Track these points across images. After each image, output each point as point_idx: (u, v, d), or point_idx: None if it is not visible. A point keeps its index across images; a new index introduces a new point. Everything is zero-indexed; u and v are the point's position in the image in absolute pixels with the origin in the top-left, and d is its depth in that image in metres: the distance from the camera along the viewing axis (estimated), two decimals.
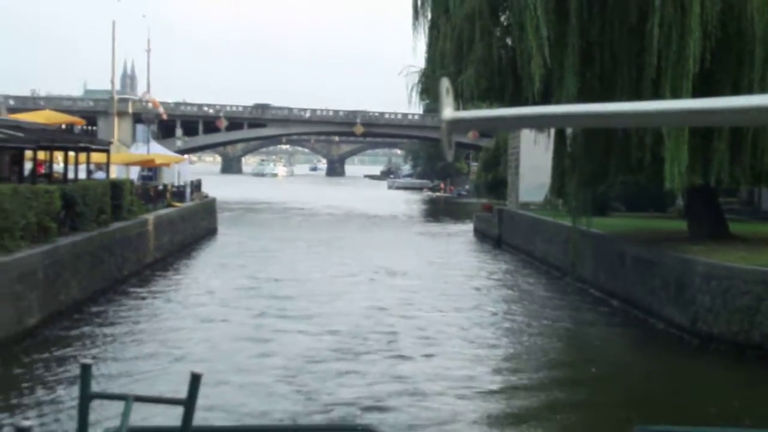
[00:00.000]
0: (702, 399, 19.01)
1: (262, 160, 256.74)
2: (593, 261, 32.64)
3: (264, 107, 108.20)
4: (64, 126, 43.86)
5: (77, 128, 50.10)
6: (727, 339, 22.49)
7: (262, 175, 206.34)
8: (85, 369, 4.42)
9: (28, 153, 30.65)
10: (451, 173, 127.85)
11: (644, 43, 23.69)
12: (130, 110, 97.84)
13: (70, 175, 33.07)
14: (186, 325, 24.88)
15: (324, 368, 20.10)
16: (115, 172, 43.37)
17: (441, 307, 28.94)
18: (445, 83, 2.90)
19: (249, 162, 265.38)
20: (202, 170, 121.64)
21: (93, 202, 29.21)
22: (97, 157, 36.64)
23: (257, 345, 22.42)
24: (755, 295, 22.00)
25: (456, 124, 2.87)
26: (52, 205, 24.95)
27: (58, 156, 34.44)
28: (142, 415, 6.77)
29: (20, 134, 28.07)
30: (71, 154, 33.61)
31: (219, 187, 76.94)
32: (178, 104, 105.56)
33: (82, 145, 33.42)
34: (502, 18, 27.38)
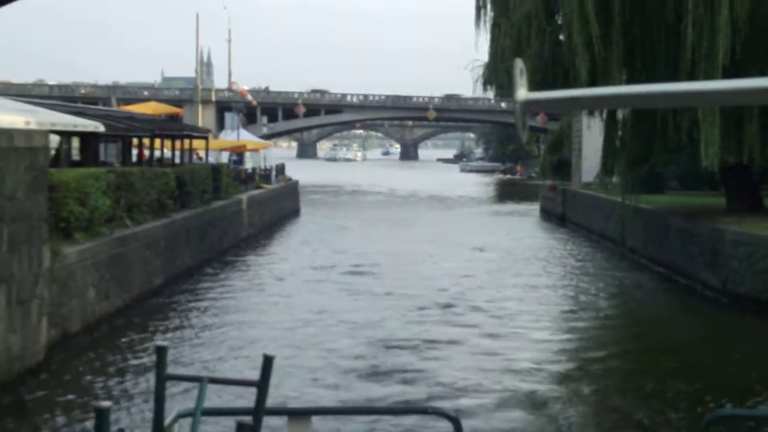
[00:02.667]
0: (726, 344, 22.55)
1: (335, 145, 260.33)
2: (643, 233, 36.09)
3: (322, 92, 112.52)
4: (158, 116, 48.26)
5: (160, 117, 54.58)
6: (751, 297, 25.91)
7: (335, 159, 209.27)
8: (161, 351, 4.59)
9: (135, 140, 34.99)
10: (522, 156, 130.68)
11: (679, 40, 27.11)
12: (213, 98, 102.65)
13: (170, 159, 37.37)
14: (278, 290, 28.93)
15: (408, 334, 23.97)
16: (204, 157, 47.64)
17: (514, 273, 32.67)
18: (519, 64, 2.81)
19: (323, 147, 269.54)
20: (279, 155, 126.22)
21: (198, 183, 33.47)
22: (197, 143, 41.00)
23: (342, 310, 26.38)
24: None
25: (530, 105, 2.77)
26: (168, 185, 29.20)
27: (161, 142, 38.73)
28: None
29: (136, 124, 32.37)
30: (175, 141, 37.93)
31: (297, 171, 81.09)
32: (258, 92, 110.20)
33: (185, 133, 37.75)
34: (556, 17, 30.96)
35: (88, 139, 27.67)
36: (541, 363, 19.67)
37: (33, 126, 20.97)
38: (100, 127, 26.88)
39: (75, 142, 29.25)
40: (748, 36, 27.31)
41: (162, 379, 4.55)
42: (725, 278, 27.17)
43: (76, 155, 30.10)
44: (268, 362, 4.62)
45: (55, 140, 24.11)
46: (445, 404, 15.19)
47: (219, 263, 33.64)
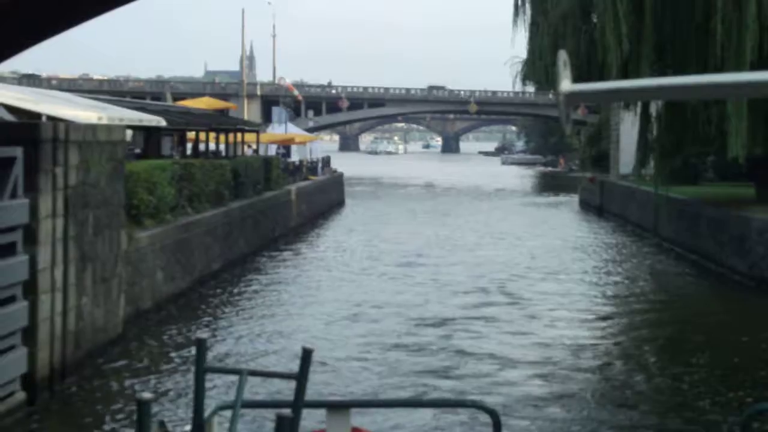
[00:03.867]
0: (750, 322, 24.02)
1: (376, 138, 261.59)
2: (676, 222, 37.52)
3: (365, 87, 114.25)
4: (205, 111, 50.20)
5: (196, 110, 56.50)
6: None
7: (376, 153, 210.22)
8: (201, 343, 4.65)
9: (190, 134, 36.94)
10: (563, 149, 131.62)
11: (708, 38, 28.54)
12: (259, 93, 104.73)
13: (221, 151, 39.25)
14: (327, 275, 30.70)
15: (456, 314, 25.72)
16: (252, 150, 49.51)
17: (552, 261, 34.23)
18: (563, 56, 2.80)
19: (365, 140, 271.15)
20: (322, 148, 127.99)
21: (251, 174, 35.33)
22: (248, 137, 42.90)
23: (389, 293, 28.15)
24: None
25: (573, 97, 2.75)
26: (225, 176, 31.08)
27: (216, 136, 40.68)
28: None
29: (193, 119, 34.29)
30: (229, 134, 39.84)
31: (339, 163, 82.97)
32: (303, 86, 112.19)
33: (238, 127, 39.65)
34: (592, 16, 32.47)
35: (150, 132, 29.57)
36: (583, 340, 21.27)
37: (105, 121, 22.88)
38: (162, 122, 28.81)
39: (138, 136, 31.15)
40: None
41: (201, 371, 4.63)
42: (752, 263, 28.63)
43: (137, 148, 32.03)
44: (306, 355, 4.61)
45: (128, 134, 25.97)
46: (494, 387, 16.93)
47: (271, 250, 35.50)
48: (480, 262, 33.57)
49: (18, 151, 14.71)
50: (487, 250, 36.92)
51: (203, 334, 20.97)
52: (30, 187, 15.11)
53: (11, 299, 14.61)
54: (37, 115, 20.88)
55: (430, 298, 26.32)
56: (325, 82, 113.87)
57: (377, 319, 23.22)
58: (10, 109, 19.79)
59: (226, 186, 31.12)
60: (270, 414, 5.07)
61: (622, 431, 14.74)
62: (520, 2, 34.29)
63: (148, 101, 44.54)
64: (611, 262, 35.43)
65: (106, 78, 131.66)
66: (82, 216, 17.01)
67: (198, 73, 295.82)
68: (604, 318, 24.41)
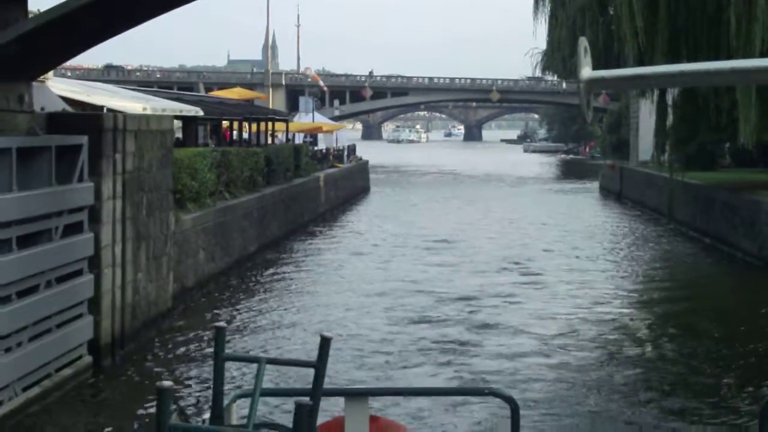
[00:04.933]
0: (756, 298, 25.44)
1: (398, 127, 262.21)
2: (692, 206, 38.91)
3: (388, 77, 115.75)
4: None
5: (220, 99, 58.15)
6: None
7: (398, 141, 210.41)
8: (219, 332, 4.68)
9: (224, 123, 38.53)
10: (585, 136, 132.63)
11: (720, 30, 29.92)
12: (284, 82, 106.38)
13: (253, 139, 40.86)
14: (356, 257, 32.28)
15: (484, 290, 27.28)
16: (280, 138, 51.10)
17: (572, 244, 35.73)
18: (583, 42, 2.62)
19: (387, 128, 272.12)
20: (347, 136, 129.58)
21: (282, 161, 36.93)
22: (278, 125, 44.53)
23: (419, 271, 29.72)
24: None
25: (594, 84, 2.60)
26: (258, 164, 32.68)
27: (248, 125, 42.31)
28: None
29: (227, 108, 35.90)
30: (260, 123, 41.45)
31: (363, 152, 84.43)
32: (326, 74, 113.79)
33: (270, 116, 41.27)
34: (609, 9, 33.89)
35: (188, 121, 31.20)
36: (601, 316, 22.73)
37: (149, 111, 24.52)
38: (200, 112, 30.44)
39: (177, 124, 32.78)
40: None
41: (221, 359, 4.70)
42: (762, 245, 30.03)
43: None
44: (325, 343, 4.62)
45: (176, 124, 27.57)
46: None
47: (303, 234, 37.15)
48: (502, 245, 35.03)
49: (84, 139, 16.34)
50: (508, 235, 38.37)
51: (241, 311, 22.68)
52: (94, 172, 16.74)
53: (79, 272, 16.25)
54: (90, 106, 22.53)
55: (454, 278, 27.85)
56: (347, 70, 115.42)
57: (404, 296, 24.78)
58: (66, 100, 21.41)
59: (259, 173, 32.72)
60: (289, 402, 5.24)
61: (634, 406, 15.64)
62: None
63: (183, 92, 46.19)
64: (628, 245, 36.86)
65: (132, 68, 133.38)
66: (137, 198, 18.63)
67: (221, 62, 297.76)
68: (621, 297, 25.86)
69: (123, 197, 17.90)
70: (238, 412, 5.42)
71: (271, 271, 28.95)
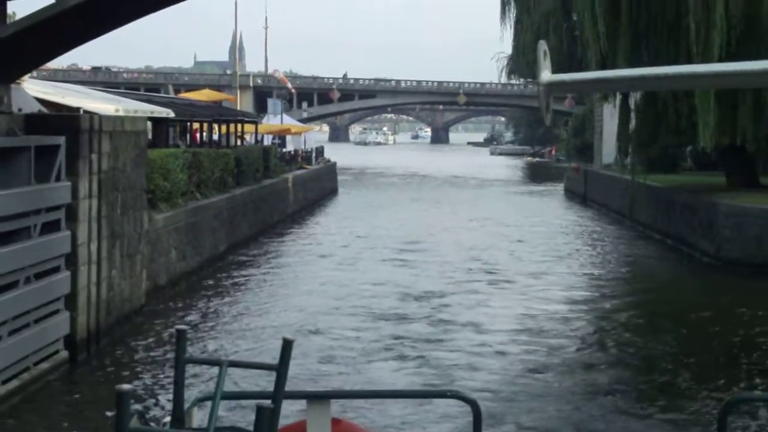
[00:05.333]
0: (722, 300, 26.19)
1: (365, 129, 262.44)
2: (654, 208, 39.77)
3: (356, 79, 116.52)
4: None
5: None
6: (741, 261, 29.61)
7: (365, 143, 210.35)
8: (180, 334, 4.70)
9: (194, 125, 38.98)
10: (551, 139, 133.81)
11: (680, 36, 30.76)
12: (251, 84, 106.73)
13: (209, 142, 41.32)
14: (324, 258, 32.85)
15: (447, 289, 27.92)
16: (248, 140, 51.57)
17: (536, 244, 36.46)
18: (543, 46, 2.70)
19: (355, 130, 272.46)
20: (314, 138, 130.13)
21: (252, 163, 37.43)
22: (248, 127, 45.01)
23: (386, 271, 30.35)
24: (761, 227, 29.16)
25: (554, 87, 2.69)
26: (229, 164, 33.18)
27: (218, 126, 42.77)
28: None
29: (197, 110, 36.37)
30: (230, 125, 41.94)
31: (331, 154, 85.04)
32: (294, 77, 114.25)
33: (239, 118, 41.76)
34: (572, 15, 34.69)
35: (159, 123, 31.64)
36: (562, 314, 23.36)
37: (121, 113, 24.95)
38: (171, 113, 30.89)
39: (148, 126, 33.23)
40: (743, 32, 30.90)
41: (181, 362, 4.69)
42: (719, 245, 30.87)
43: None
44: (287, 346, 4.59)
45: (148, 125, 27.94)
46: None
47: (271, 235, 37.66)
48: (468, 246, 35.68)
49: (62, 140, 16.83)
50: (474, 236, 39.05)
51: (212, 308, 23.19)
52: (71, 171, 17.23)
53: (56, 269, 16.74)
54: (64, 107, 22.96)
55: (420, 276, 28.50)
56: (315, 72, 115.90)
57: (373, 295, 25.38)
58: (41, 101, 21.84)
59: (229, 173, 33.22)
60: (251, 405, 5.07)
61: (592, 405, 16.05)
62: (506, 1, 36.49)
63: (152, 94, 46.58)
64: (591, 245, 37.65)
65: (103, 69, 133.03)
66: (112, 198, 19.12)
67: (187, 63, 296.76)
68: (582, 295, 26.56)
69: (99, 196, 18.39)
70: (201, 415, 5.36)
71: (241, 270, 29.46)
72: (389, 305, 23.94)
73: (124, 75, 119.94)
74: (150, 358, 18.41)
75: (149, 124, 31.94)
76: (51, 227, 16.55)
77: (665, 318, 23.36)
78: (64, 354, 16.87)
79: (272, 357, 18.54)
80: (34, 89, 22.61)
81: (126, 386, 4.10)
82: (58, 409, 15.23)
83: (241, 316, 22.65)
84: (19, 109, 18.08)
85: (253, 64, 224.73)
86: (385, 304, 24.15)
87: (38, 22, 13.81)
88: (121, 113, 24.66)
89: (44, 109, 20.97)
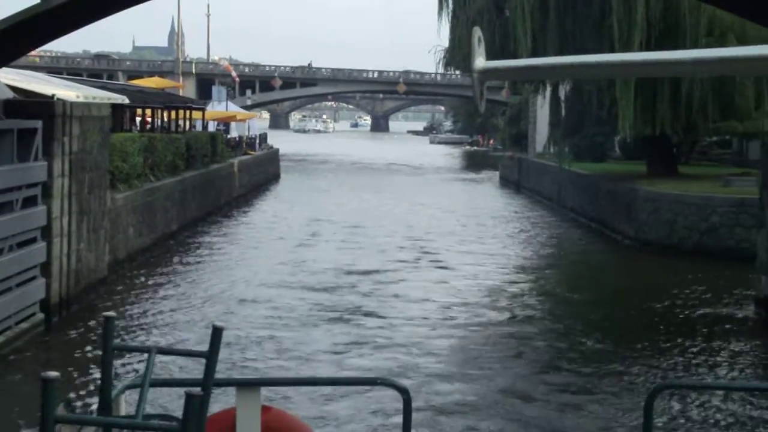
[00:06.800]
0: (638, 276, 28.64)
1: (304, 116, 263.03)
2: (580, 194, 42.27)
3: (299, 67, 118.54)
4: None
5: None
6: (656, 242, 32.12)
7: (305, 131, 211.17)
8: (109, 321, 4.66)
9: (138, 110, 40.68)
10: (489, 129, 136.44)
11: (603, 33, 33.18)
12: (194, 71, 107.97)
13: (160, 128, 43.04)
14: (268, 237, 34.84)
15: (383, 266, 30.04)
16: (197, 126, 53.21)
17: (469, 228, 38.75)
18: (477, 32, 2.71)
19: (294, 118, 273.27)
20: (257, 126, 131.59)
21: (200, 147, 39.22)
22: (195, 114, 46.78)
23: (327, 250, 32.42)
24: (673, 212, 31.69)
25: (487, 73, 2.74)
26: (180, 149, 34.97)
27: (169, 113, 44.46)
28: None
29: (148, 97, 38.08)
30: (179, 111, 43.66)
31: (272, 140, 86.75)
32: (236, 64, 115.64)
33: (188, 105, 43.53)
34: (505, 11, 36.97)
35: (115, 108, 33.30)
36: (491, 292, 25.50)
37: (82, 99, 26.68)
38: (126, 100, 32.58)
39: None
40: (662, 31, 33.39)
41: (109, 349, 4.57)
42: (637, 228, 33.36)
43: None
44: (217, 333, 4.53)
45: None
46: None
47: (219, 216, 39.60)
48: (405, 229, 37.85)
49: (39, 124, 18.65)
50: (412, 220, 41.22)
51: (166, 281, 25.09)
52: (46, 152, 19.06)
53: (33, 240, 18.58)
54: (31, 93, 24.64)
55: (359, 256, 30.58)
56: (254, 60, 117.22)
57: (313, 271, 27.40)
58: (10, 88, 23.53)
59: (180, 158, 35.01)
60: (180, 392, 4.80)
61: (521, 382, 17.46)
62: None
63: (107, 81, 48.09)
64: (521, 229, 40.02)
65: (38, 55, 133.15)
66: (81, 177, 20.95)
67: (126, 48, 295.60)
68: (514, 274, 28.82)
69: (69, 175, 20.23)
70: (128, 402, 5.39)
71: (192, 247, 31.37)
72: (328, 280, 25.97)
73: (77, 61, 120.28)
74: (115, 324, 20.28)
75: None
76: (29, 202, 18.38)
77: (586, 290, 25.78)
78: (41, 316, 18.72)
79: (216, 316, 20.60)
80: (3, 77, 24.29)
81: (52, 374, 3.92)
82: (41, 357, 17.17)
83: (187, 287, 24.53)
84: None
85: (192, 51, 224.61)
86: (324, 278, 26.18)
87: (26, 19, 15.60)
88: (81, 99, 26.40)
89: (16, 96, 22.67)
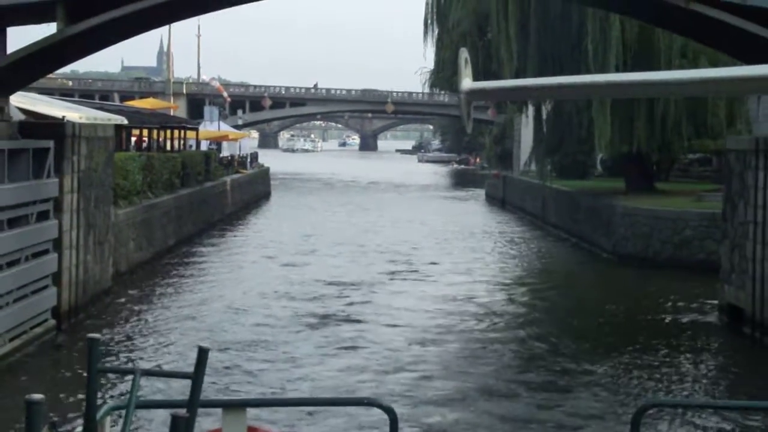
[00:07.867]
0: (613, 287, 30.12)
1: (292, 135, 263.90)
2: (561, 211, 43.82)
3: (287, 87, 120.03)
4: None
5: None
6: (633, 256, 33.61)
7: (293, 150, 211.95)
8: (93, 343, 4.51)
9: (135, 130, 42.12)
10: (476, 147, 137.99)
11: (581, 55, 34.74)
12: (185, 91, 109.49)
13: (156, 147, 44.48)
14: (261, 254, 36.23)
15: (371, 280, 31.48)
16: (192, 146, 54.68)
17: (455, 243, 40.23)
18: (463, 53, 2.86)
19: (283, 137, 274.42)
20: (247, 145, 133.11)
21: (195, 166, 40.68)
22: (189, 134, 48.28)
23: (319, 264, 33.84)
24: (649, 226, 33.23)
25: (474, 94, 2.86)
26: (176, 167, 36.42)
27: (164, 133, 45.88)
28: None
29: (145, 117, 39.54)
30: (174, 131, 45.14)
31: (262, 160, 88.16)
32: (226, 84, 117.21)
33: (183, 125, 45.02)
34: (488, 35, 38.57)
35: (116, 129, 34.74)
36: (474, 303, 26.83)
37: (84, 120, 28.13)
38: (125, 121, 34.02)
39: None
40: (636, 53, 34.99)
41: (94, 371, 4.49)
42: (615, 242, 34.89)
43: None
44: (203, 354, 4.50)
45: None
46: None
47: (213, 231, 41.03)
48: (393, 245, 39.28)
49: (51, 143, 20.10)
50: (399, 236, 42.63)
51: (165, 293, 26.51)
52: (57, 170, 20.50)
53: (46, 251, 20.00)
54: (39, 115, 26.08)
55: (349, 270, 32.00)
56: (243, 80, 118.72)
57: (303, 281, 28.84)
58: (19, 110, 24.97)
59: (176, 176, 36.46)
60: (166, 414, 5.17)
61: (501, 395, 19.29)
62: (429, 21, 40.27)
63: (104, 102, 49.52)
64: (505, 244, 41.50)
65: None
66: (87, 193, 22.39)
67: (114, 68, 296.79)
68: (494, 285, 30.25)
69: (78, 192, 21.66)
70: (113, 424, 5.40)
71: (188, 261, 32.77)
72: (317, 291, 27.37)
73: (59, 81, 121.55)
74: (119, 327, 21.75)
75: None
76: (42, 216, 19.81)
77: (565, 299, 27.29)
78: (52, 322, 20.14)
79: (214, 321, 22.03)
80: (14, 100, 25.73)
81: (36, 396, 3.94)
82: (53, 357, 18.63)
83: (186, 299, 25.89)
84: (11, 118, 21.25)
85: (180, 71, 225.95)
86: (312, 289, 27.58)
87: (43, 48, 17.05)
88: (84, 120, 27.85)
89: (26, 117, 24.11)
